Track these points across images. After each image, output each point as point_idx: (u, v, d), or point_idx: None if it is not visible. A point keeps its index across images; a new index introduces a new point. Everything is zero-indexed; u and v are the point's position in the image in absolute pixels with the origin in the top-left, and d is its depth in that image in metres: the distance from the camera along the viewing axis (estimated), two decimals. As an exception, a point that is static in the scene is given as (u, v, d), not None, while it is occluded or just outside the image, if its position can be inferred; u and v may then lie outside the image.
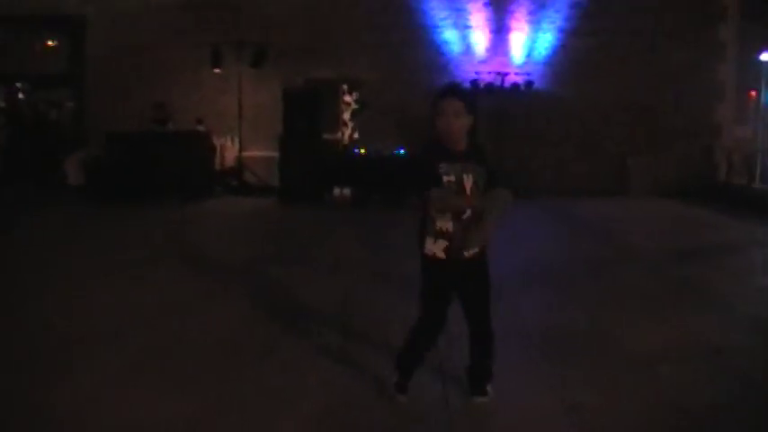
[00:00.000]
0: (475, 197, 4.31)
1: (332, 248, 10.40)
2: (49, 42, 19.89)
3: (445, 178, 4.24)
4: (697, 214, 14.47)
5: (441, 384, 4.84)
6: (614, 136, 17.87)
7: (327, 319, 6.40)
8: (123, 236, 11.52)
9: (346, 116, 17.92)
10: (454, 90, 4.40)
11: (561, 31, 17.86)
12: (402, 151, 16.04)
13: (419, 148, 4.55)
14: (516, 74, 17.82)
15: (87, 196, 15.58)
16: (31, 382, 4.89)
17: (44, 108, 19.03)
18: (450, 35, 18.06)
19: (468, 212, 4.30)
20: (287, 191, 15.88)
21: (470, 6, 18.00)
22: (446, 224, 4.31)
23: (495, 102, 17.32)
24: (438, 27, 18.03)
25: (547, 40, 17.94)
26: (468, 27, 18.06)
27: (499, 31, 18.06)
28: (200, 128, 16.96)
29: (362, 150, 16.59)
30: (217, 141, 17.52)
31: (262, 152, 17.55)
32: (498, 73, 17.74)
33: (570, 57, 17.83)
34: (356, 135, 17.78)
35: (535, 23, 17.94)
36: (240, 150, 17.68)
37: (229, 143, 17.96)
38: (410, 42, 17.84)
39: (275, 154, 16.28)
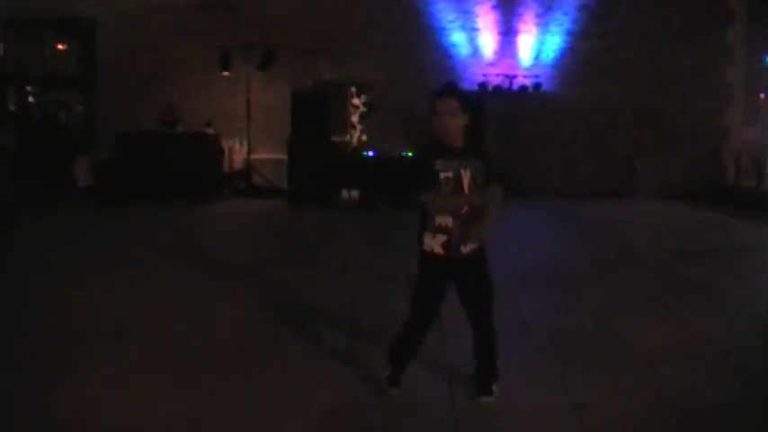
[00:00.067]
0: (472, 192, 4.36)
1: (340, 250, 10.41)
2: (60, 45, 19.96)
3: (443, 175, 4.31)
4: (705, 216, 14.47)
5: (447, 384, 4.85)
6: (622, 138, 17.88)
7: (335, 321, 6.40)
8: (131, 237, 11.56)
9: (354, 119, 17.97)
10: (449, 90, 4.43)
11: (569, 33, 17.89)
12: (410, 153, 16.08)
13: (416, 148, 4.63)
14: (524, 76, 17.87)
15: (96, 198, 15.63)
16: (31, 382, 4.91)
17: (54, 110, 19.09)
18: (457, 37, 18.09)
19: (466, 208, 4.36)
20: (295, 193, 15.91)
21: (478, 9, 18.04)
22: (445, 220, 4.36)
23: (503, 104, 17.37)
24: (446, 29, 18.07)
25: (554, 42, 17.97)
26: (475, 29, 18.10)
27: (507, 33, 18.09)
28: (209, 130, 17.00)
29: (365, 153, 16.65)
30: (225, 144, 17.56)
31: (270, 154, 17.60)
32: (506, 75, 17.78)
33: (578, 59, 17.85)
34: (364, 137, 17.83)
35: (543, 26, 17.97)
36: (248, 153, 17.73)
37: (238, 145, 18.01)
38: (418, 44, 17.87)
39: (283, 156, 16.32)
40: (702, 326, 6.45)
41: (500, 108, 17.24)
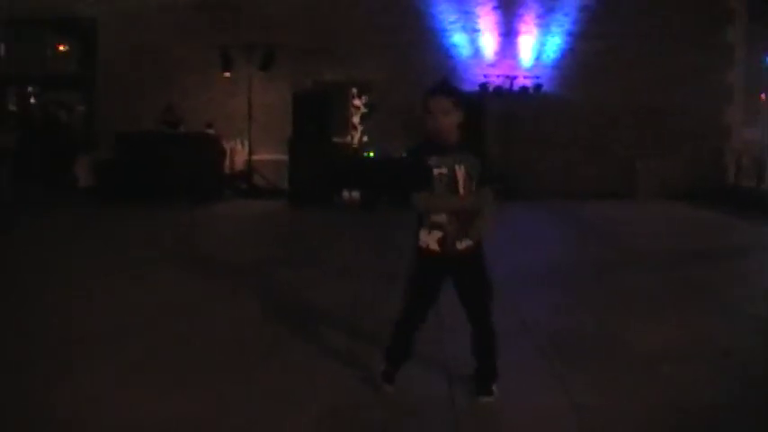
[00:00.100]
0: (467, 188, 4.39)
1: (341, 251, 10.41)
2: (60, 46, 19.97)
3: (436, 171, 4.34)
4: (705, 216, 14.48)
5: (446, 384, 4.86)
6: (622, 139, 17.90)
7: (336, 321, 6.41)
8: (131, 237, 11.58)
9: (355, 119, 17.98)
10: (442, 88, 4.46)
11: (569, 34, 17.91)
12: (404, 153, 16.10)
13: (409, 147, 4.65)
14: (525, 77, 17.89)
15: (97, 198, 15.65)
16: (30, 382, 4.92)
17: (54, 111, 19.11)
18: (458, 38, 18.11)
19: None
20: (296, 194, 15.93)
21: (479, 10, 18.06)
22: (440, 216, 4.39)
23: (504, 105, 17.40)
24: (447, 30, 18.09)
25: (555, 43, 17.99)
26: (476, 30, 18.12)
27: (508, 34, 18.11)
28: (210, 131, 17.02)
29: (371, 154, 16.65)
30: (226, 144, 17.59)
31: (271, 155, 17.61)
32: (507, 76, 17.80)
33: (578, 60, 17.87)
34: (365, 138, 17.84)
35: (544, 27, 17.98)
36: (250, 153, 17.74)
37: (239, 146, 18.04)
38: (419, 45, 17.89)
39: (284, 157, 16.34)
40: (703, 326, 6.46)
41: (501, 109, 17.27)
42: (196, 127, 16.97)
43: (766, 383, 5.15)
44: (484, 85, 17.69)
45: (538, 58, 18.04)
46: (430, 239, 4.44)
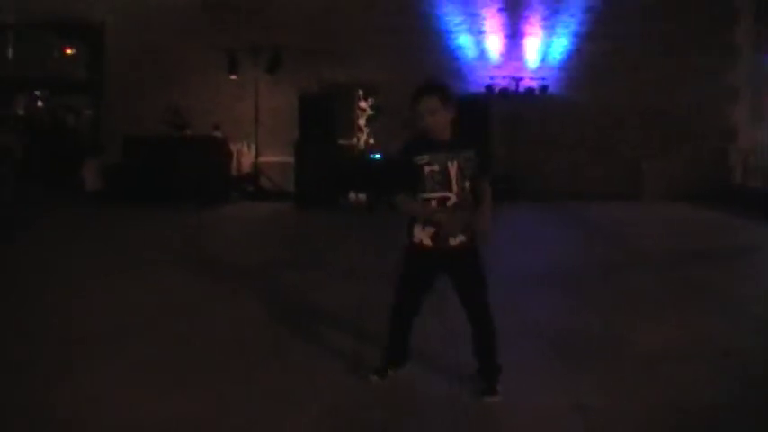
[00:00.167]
0: (460, 186, 4.47)
1: (347, 252, 10.42)
2: (68, 49, 20.04)
3: (427, 168, 4.42)
4: (711, 217, 14.46)
5: (450, 384, 4.87)
6: (628, 140, 17.88)
7: (341, 323, 6.42)
8: (138, 239, 11.60)
9: (362, 122, 18.00)
10: (428, 88, 4.51)
11: (575, 35, 17.90)
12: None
13: (400, 146, 4.71)
14: (531, 79, 17.87)
15: (104, 201, 15.70)
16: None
17: (62, 114, 19.18)
18: (464, 40, 18.11)
19: (454, 199, 4.45)
20: (303, 196, 15.95)
21: (485, 11, 18.05)
22: (431, 209, 4.45)
23: (510, 106, 17.40)
24: (452, 32, 18.08)
25: (561, 44, 17.97)
26: (482, 32, 18.10)
27: (514, 35, 18.10)
28: (217, 133, 17.06)
29: (377, 156, 16.67)
30: (233, 147, 17.62)
31: (278, 158, 17.63)
32: (513, 78, 17.79)
33: (584, 61, 17.86)
34: (371, 140, 17.86)
35: (549, 28, 17.98)
36: (256, 156, 17.77)
37: (245, 149, 18.07)
38: (424, 47, 17.88)
39: (291, 159, 16.38)
40: (706, 326, 6.47)
41: (507, 110, 17.27)
42: (203, 129, 17.01)
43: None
44: (490, 87, 17.70)
45: (543, 60, 18.03)
46: (423, 235, 4.50)
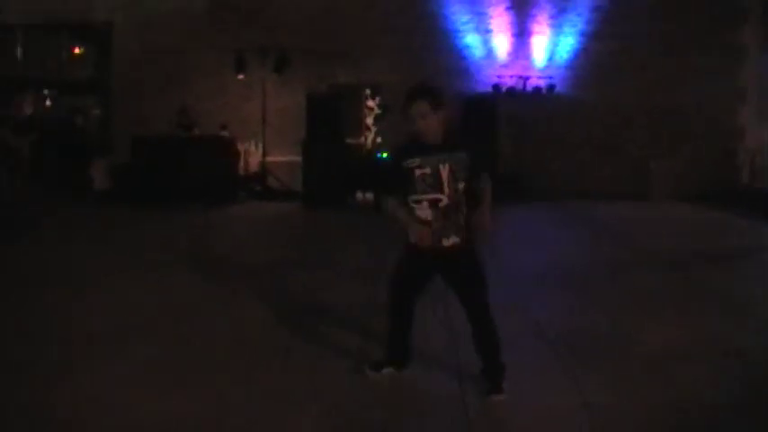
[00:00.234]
0: (453, 188, 4.50)
1: (354, 252, 10.40)
2: (76, 50, 20.09)
3: (418, 172, 4.48)
4: (718, 217, 14.42)
5: (457, 383, 4.89)
6: (636, 139, 17.84)
7: (346, 322, 6.45)
8: (145, 239, 11.64)
9: (369, 121, 18.03)
10: (417, 92, 4.57)
11: (583, 34, 17.86)
12: (385, 154, 16.25)
13: (391, 149, 4.79)
14: (538, 78, 17.85)
15: (112, 201, 15.75)
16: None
17: (70, 114, 19.21)
18: (471, 39, 18.08)
19: (446, 201, 4.49)
20: (310, 195, 15.96)
21: (492, 10, 18.03)
22: (424, 212, 4.52)
23: (517, 106, 17.38)
24: (459, 31, 18.07)
25: (568, 43, 17.94)
26: (489, 31, 18.08)
27: (521, 34, 18.07)
28: (225, 133, 17.08)
29: (384, 155, 16.68)
30: (241, 147, 17.64)
31: (285, 157, 17.63)
32: (520, 77, 17.77)
33: (591, 60, 17.82)
34: (379, 139, 17.88)
35: (557, 27, 17.94)
36: (264, 155, 17.79)
37: (253, 148, 18.08)
38: (431, 47, 17.88)
39: (298, 159, 16.41)
40: (716, 327, 6.48)
41: (514, 109, 17.26)
42: (210, 129, 17.04)
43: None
44: (497, 86, 17.69)
45: (551, 59, 18.00)
46: (421, 233, 4.52)
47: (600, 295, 7.77)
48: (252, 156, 18.14)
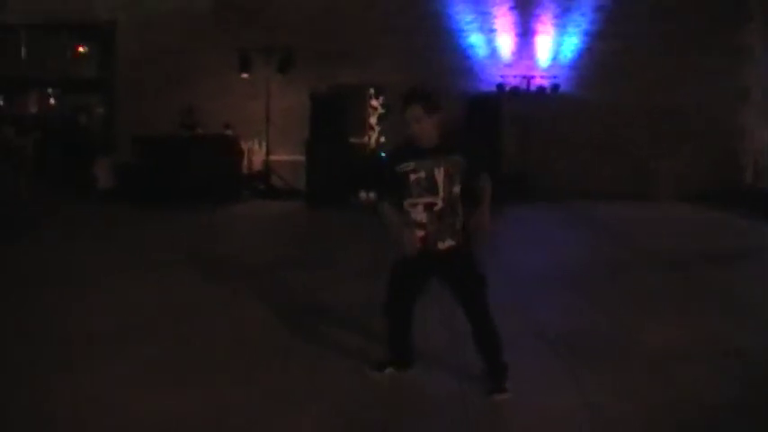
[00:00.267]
0: (448, 191, 4.53)
1: (357, 251, 10.41)
2: (80, 49, 20.11)
3: (413, 176, 4.53)
4: (720, 217, 14.41)
5: (453, 383, 4.90)
6: (638, 139, 17.79)
7: (347, 322, 6.46)
8: (148, 238, 11.66)
9: (373, 120, 18.03)
10: (411, 96, 4.63)
11: (586, 34, 17.84)
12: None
13: (387, 151, 4.83)
14: (542, 77, 17.83)
15: (116, 199, 15.77)
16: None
17: (74, 113, 19.24)
18: (475, 39, 18.07)
19: (440, 205, 4.52)
20: (314, 195, 15.98)
21: (496, 10, 18.02)
22: (419, 215, 4.54)
23: (521, 105, 17.35)
24: (463, 31, 18.06)
25: (572, 43, 17.92)
26: (493, 31, 18.06)
27: (525, 34, 18.06)
28: (228, 132, 17.09)
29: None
30: (244, 145, 17.65)
31: (289, 156, 17.65)
32: (524, 76, 17.76)
33: (595, 60, 17.80)
34: (383, 139, 17.88)
35: (560, 27, 17.93)
36: (267, 154, 17.80)
37: (257, 147, 18.10)
38: (435, 46, 17.88)
39: (302, 158, 16.43)
40: (717, 327, 6.51)
41: (518, 109, 17.23)
42: (214, 128, 17.05)
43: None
44: (501, 86, 17.67)
45: (555, 59, 17.98)
46: (415, 236, 4.54)
47: (601, 295, 7.79)
48: (255, 155, 18.16)
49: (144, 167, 15.93)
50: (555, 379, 5.06)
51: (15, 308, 7.08)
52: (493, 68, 18.04)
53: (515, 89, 17.69)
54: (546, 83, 17.77)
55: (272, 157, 17.80)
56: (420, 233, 4.57)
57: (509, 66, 18.04)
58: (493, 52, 18.13)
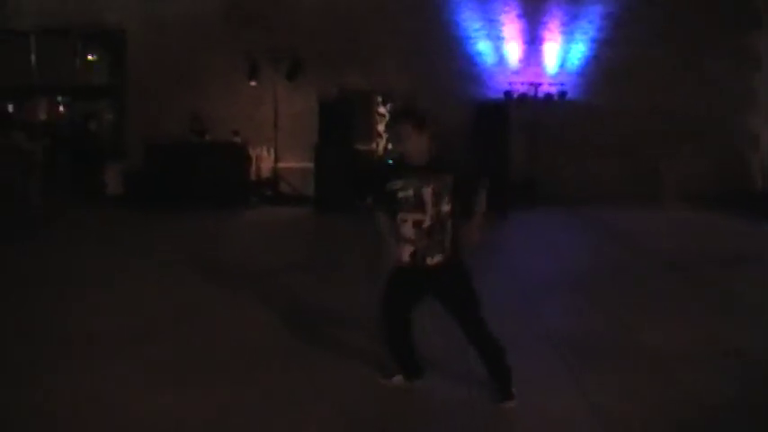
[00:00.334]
0: (436, 209, 4.56)
1: (364, 256, 10.44)
2: (90, 56, 20.18)
3: (401, 194, 4.58)
4: (730, 222, 14.35)
5: (468, 389, 4.92)
6: (647, 144, 17.73)
7: (353, 326, 6.48)
8: (153, 242, 11.71)
9: (380, 127, 18.06)
10: (399, 115, 4.71)
11: (594, 41, 17.84)
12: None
13: (380, 166, 4.86)
14: (549, 84, 17.83)
15: (125, 206, 15.83)
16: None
17: (84, 120, 19.30)
18: (483, 46, 18.09)
19: (428, 222, 4.55)
20: (322, 200, 16.02)
21: (503, 17, 18.04)
22: (408, 231, 4.59)
23: (529, 112, 17.37)
24: (471, 38, 18.08)
25: (580, 50, 17.92)
26: (501, 38, 18.08)
27: (532, 41, 18.07)
28: (237, 139, 17.15)
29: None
30: (253, 152, 17.69)
31: (297, 163, 17.70)
32: (532, 84, 17.76)
33: (603, 67, 17.80)
34: (390, 146, 17.91)
35: (568, 34, 17.93)
36: (276, 161, 17.85)
37: (265, 154, 18.14)
38: (443, 53, 17.91)
39: (310, 164, 16.47)
40: (723, 331, 6.52)
41: (525, 116, 17.25)
42: (223, 135, 17.11)
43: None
44: (508, 93, 17.67)
45: (562, 66, 17.99)
46: (403, 252, 4.60)
47: (608, 299, 7.81)
48: (264, 161, 18.19)
49: (153, 174, 16.01)
50: (558, 381, 5.08)
51: (16, 308, 7.13)
52: (500, 75, 18.04)
53: (523, 96, 17.69)
54: (553, 90, 17.76)
55: (281, 164, 17.85)
56: (409, 248, 4.61)
57: (517, 73, 18.05)
58: (500, 59, 18.14)
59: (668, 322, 6.73)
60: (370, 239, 11.87)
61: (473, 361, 4.96)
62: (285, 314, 6.94)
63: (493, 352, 4.73)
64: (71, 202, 16.27)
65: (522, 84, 17.80)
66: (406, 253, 4.63)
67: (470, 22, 18.06)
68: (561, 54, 17.99)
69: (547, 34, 18.02)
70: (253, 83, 17.60)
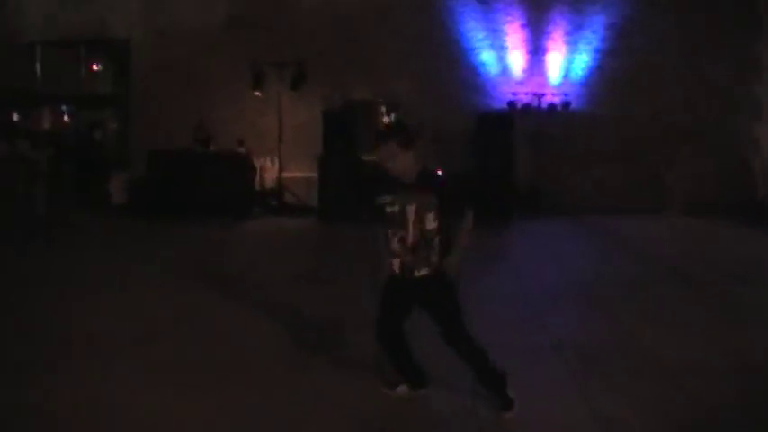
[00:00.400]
0: (417, 228, 4.61)
1: (368, 265, 10.45)
2: (94, 66, 20.26)
3: (389, 209, 4.65)
4: (734, 231, 14.36)
5: (469, 397, 4.91)
6: (651, 154, 17.71)
7: (356, 331, 6.47)
8: (156, 250, 11.73)
9: (384, 137, 18.06)
10: (384, 135, 4.75)
11: (597, 51, 17.86)
12: (439, 172, 16.20)
13: (377, 181, 4.87)
14: (553, 94, 17.85)
15: (129, 215, 15.85)
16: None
17: (88, 129, 19.35)
18: (487, 56, 18.12)
19: (411, 239, 4.62)
20: (326, 211, 16.03)
21: (507, 28, 18.08)
22: (395, 245, 4.68)
23: (533, 122, 17.39)
24: (475, 48, 18.11)
25: (583, 60, 17.94)
26: (504, 48, 18.12)
27: (536, 52, 18.10)
28: (241, 149, 17.18)
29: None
30: (257, 162, 17.72)
31: (301, 173, 17.72)
32: (535, 94, 17.78)
33: (606, 77, 17.81)
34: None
35: (572, 44, 17.96)
36: (280, 171, 17.86)
37: (269, 164, 18.16)
38: (447, 63, 17.95)
39: (314, 174, 16.48)
40: (731, 341, 6.48)
41: (529, 126, 17.27)
42: (227, 144, 17.15)
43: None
44: (512, 103, 17.70)
45: (566, 76, 18.00)
46: (393, 264, 4.69)
47: (615, 309, 7.79)
48: (268, 171, 18.21)
49: (157, 183, 16.04)
50: (561, 387, 5.07)
51: (16, 308, 7.14)
52: (504, 86, 18.08)
53: (527, 106, 17.72)
54: (557, 100, 17.79)
55: (285, 174, 17.86)
56: (397, 262, 4.70)
57: (520, 83, 18.08)
58: (504, 70, 18.17)
59: (672, 329, 6.71)
60: (373, 249, 12.03)
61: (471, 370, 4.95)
62: (287, 320, 6.94)
63: (477, 358, 4.74)
64: (76, 211, 16.28)
65: (526, 94, 17.83)
66: (395, 265, 4.71)
67: (474, 32, 18.11)
68: (565, 64, 18.02)
69: (550, 44, 18.05)
70: (257, 93, 17.62)
